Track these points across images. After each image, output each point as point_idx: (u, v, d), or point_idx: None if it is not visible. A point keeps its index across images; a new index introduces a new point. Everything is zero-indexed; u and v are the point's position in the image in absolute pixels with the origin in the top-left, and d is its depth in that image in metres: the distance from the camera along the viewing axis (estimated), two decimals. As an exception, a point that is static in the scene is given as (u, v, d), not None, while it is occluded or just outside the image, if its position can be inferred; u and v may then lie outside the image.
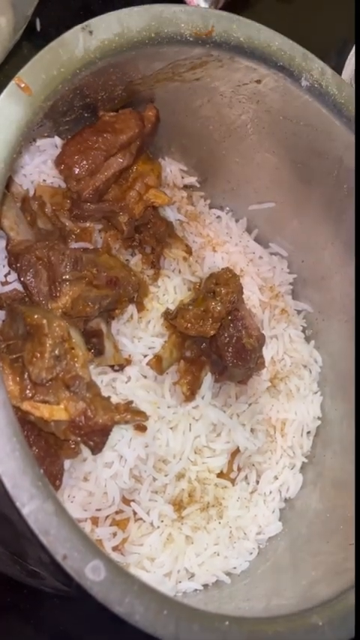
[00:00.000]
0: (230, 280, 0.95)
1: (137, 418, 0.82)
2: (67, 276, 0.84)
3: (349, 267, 1.04)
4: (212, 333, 0.93)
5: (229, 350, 0.95)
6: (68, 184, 0.91)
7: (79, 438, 0.79)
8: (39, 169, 0.93)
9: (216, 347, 0.96)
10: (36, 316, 0.78)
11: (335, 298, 1.08)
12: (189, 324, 0.93)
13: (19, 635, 1.01)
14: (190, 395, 0.95)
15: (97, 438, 0.79)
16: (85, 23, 0.78)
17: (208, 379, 0.97)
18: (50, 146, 0.94)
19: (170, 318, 0.95)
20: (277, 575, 0.93)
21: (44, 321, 0.78)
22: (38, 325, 0.78)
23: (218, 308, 0.93)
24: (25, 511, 0.62)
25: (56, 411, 0.77)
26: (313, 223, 1.07)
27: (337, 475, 1.02)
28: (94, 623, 1.01)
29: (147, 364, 0.93)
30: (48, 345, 0.77)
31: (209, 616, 0.70)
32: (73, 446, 0.81)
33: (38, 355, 0.77)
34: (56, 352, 0.78)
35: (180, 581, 0.90)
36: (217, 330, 0.94)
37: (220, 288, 0.94)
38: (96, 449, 0.79)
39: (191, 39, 0.85)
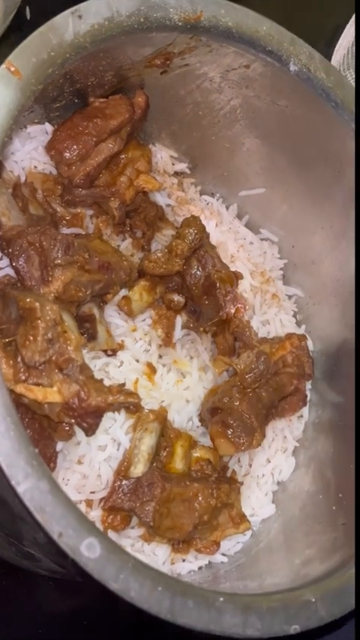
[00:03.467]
0: (192, 222, 0.97)
1: (130, 400, 0.82)
2: (59, 261, 0.84)
3: (339, 252, 1.05)
4: (177, 268, 0.95)
5: (198, 286, 0.97)
6: (59, 170, 0.91)
7: (72, 420, 0.79)
8: (30, 156, 0.94)
9: (186, 288, 0.98)
10: (28, 300, 0.78)
11: (326, 283, 1.09)
12: (154, 264, 0.95)
13: (14, 620, 1.01)
14: (166, 338, 0.97)
15: (90, 419, 0.79)
16: (75, 8, 0.78)
17: (179, 320, 0.99)
18: (41, 132, 0.94)
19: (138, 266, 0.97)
20: (271, 556, 0.94)
21: (37, 305, 0.78)
22: (31, 309, 0.78)
23: (181, 246, 0.95)
24: (21, 489, 0.63)
25: (50, 394, 0.77)
26: (303, 208, 1.07)
27: (329, 458, 1.02)
28: (89, 608, 1.02)
29: (117, 304, 0.95)
30: (41, 328, 0.78)
31: (204, 592, 0.71)
32: (67, 428, 0.82)
33: (31, 338, 0.78)
34: (49, 335, 0.78)
35: (174, 563, 0.91)
36: (184, 269, 0.97)
37: (182, 230, 0.97)
38: (89, 430, 0.80)
39: (180, 24, 0.85)
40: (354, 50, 1.26)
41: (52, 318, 0.79)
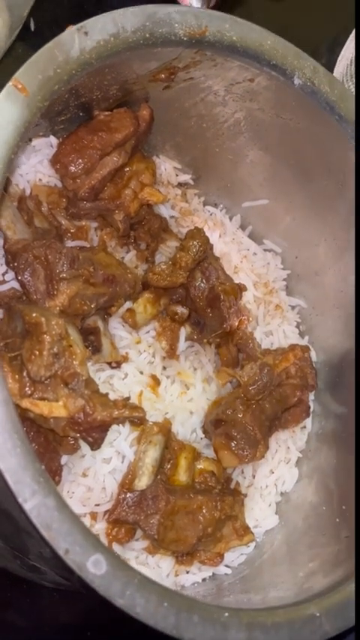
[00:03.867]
0: (196, 234, 0.98)
1: (135, 414, 0.83)
2: (64, 275, 0.85)
3: (342, 264, 1.05)
4: (181, 281, 0.96)
5: (202, 298, 0.98)
6: (64, 183, 0.92)
7: (78, 435, 0.80)
8: (35, 169, 0.94)
9: (190, 300, 0.98)
10: (34, 314, 0.79)
11: (329, 294, 1.09)
12: (158, 276, 0.95)
13: (18, 631, 1.01)
14: (170, 350, 0.97)
15: (95, 434, 0.80)
16: (81, 24, 0.78)
17: (183, 332, 0.99)
18: (46, 146, 0.95)
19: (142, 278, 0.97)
20: (274, 568, 0.95)
21: (42, 319, 0.78)
22: (37, 323, 0.79)
23: (185, 258, 0.95)
24: (27, 506, 0.63)
25: (55, 408, 0.78)
26: (307, 220, 1.08)
27: (332, 469, 1.03)
28: (94, 619, 1.02)
29: (121, 317, 0.95)
30: (46, 342, 0.78)
31: (209, 607, 0.71)
32: (72, 442, 0.82)
33: (37, 353, 0.78)
34: (55, 350, 0.78)
35: (178, 575, 0.91)
36: (188, 281, 0.97)
37: (187, 242, 0.97)
38: (95, 445, 0.80)
39: (185, 39, 0.85)
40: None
41: (58, 332, 0.79)
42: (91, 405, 0.78)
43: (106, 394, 0.82)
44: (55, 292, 0.84)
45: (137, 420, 0.85)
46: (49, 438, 0.81)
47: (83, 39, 0.78)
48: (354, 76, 1.25)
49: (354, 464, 0.97)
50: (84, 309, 0.86)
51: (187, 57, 0.89)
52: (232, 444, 0.94)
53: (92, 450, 0.82)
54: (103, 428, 0.80)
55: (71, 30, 0.78)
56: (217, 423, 0.96)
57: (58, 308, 0.84)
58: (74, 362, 0.80)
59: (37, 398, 0.78)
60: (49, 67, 0.76)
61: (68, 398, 0.78)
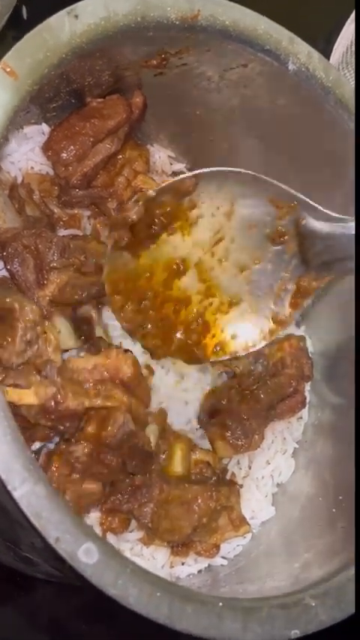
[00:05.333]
0: None
1: (108, 404, 0.81)
2: (55, 264, 0.84)
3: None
4: None
5: None
6: (56, 170, 0.91)
7: (49, 423, 0.78)
8: (27, 156, 0.93)
9: None
10: (8, 300, 0.77)
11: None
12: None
13: (12, 624, 1.01)
14: None
15: (67, 422, 0.78)
16: (71, 7, 0.77)
17: None
18: (38, 133, 0.94)
19: None
20: (270, 559, 0.94)
21: (16, 305, 0.77)
22: (10, 309, 0.77)
23: None
24: (17, 494, 0.62)
25: (26, 395, 0.76)
26: (302, 209, 1.07)
27: (328, 459, 1.02)
28: (87, 612, 1.01)
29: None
30: (19, 329, 0.76)
31: (203, 597, 0.70)
32: (47, 431, 0.81)
33: (9, 339, 0.76)
34: (27, 337, 0.77)
35: (174, 566, 0.91)
36: None
37: None
38: (66, 433, 0.79)
39: (177, 23, 0.84)
40: (353, 49, 1.25)
41: (32, 319, 0.77)
42: (63, 393, 0.77)
43: (80, 382, 0.81)
44: (45, 282, 0.83)
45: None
46: (23, 423, 0.79)
47: (73, 22, 0.77)
48: (350, 63, 1.24)
49: (351, 455, 0.96)
50: (75, 298, 0.85)
51: (180, 42, 0.88)
52: (228, 434, 0.93)
53: (64, 440, 0.80)
54: (75, 417, 0.78)
55: (61, 13, 0.77)
56: (212, 413, 0.95)
57: (48, 298, 0.83)
58: (48, 348, 0.78)
59: (8, 384, 0.76)
60: (39, 51, 0.75)
61: (39, 385, 0.76)
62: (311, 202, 0.87)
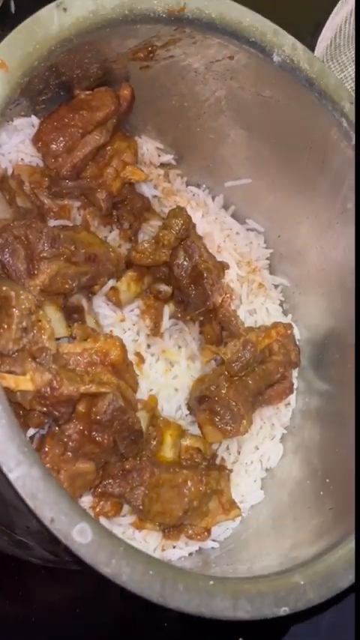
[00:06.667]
0: (178, 212, 0.99)
1: (102, 390, 0.82)
2: (45, 254, 0.85)
3: (324, 241, 1.06)
4: (164, 259, 0.97)
5: (185, 276, 0.99)
6: (46, 161, 0.92)
7: (44, 409, 0.79)
8: (17, 148, 0.94)
9: (174, 278, 0.99)
10: (4, 288, 0.79)
11: (311, 272, 1.10)
12: (141, 255, 0.96)
13: (5, 609, 1.02)
14: (155, 328, 0.99)
15: (62, 408, 0.79)
16: (60, 0, 0.79)
17: (167, 310, 1.00)
18: (27, 125, 0.95)
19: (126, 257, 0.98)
20: (260, 541, 0.96)
21: (12, 293, 0.78)
22: (6, 297, 0.78)
23: (167, 236, 0.96)
24: (12, 477, 0.64)
25: (22, 382, 0.77)
26: (288, 198, 1.08)
27: (316, 444, 1.04)
28: (81, 596, 1.03)
29: (105, 295, 0.96)
30: (15, 316, 0.78)
31: (194, 576, 0.72)
32: (39, 415, 0.82)
33: (5, 327, 0.78)
34: (23, 324, 0.78)
35: (165, 549, 0.92)
36: (172, 259, 0.98)
37: (169, 220, 0.98)
38: (61, 419, 0.80)
39: (164, 15, 0.86)
40: (337, 42, 1.27)
41: (28, 307, 0.79)
42: (58, 379, 0.78)
43: (74, 369, 0.82)
44: (36, 272, 0.84)
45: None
46: (17, 411, 0.81)
47: (62, 15, 0.79)
48: (334, 56, 1.26)
49: (338, 439, 0.98)
50: (65, 287, 0.86)
51: (167, 34, 0.89)
52: (216, 420, 0.94)
53: (58, 425, 0.81)
54: (70, 403, 0.79)
55: (50, 6, 0.78)
56: (201, 399, 0.96)
57: (38, 287, 0.84)
58: (43, 336, 0.80)
59: (4, 371, 0.77)
60: (29, 43, 0.76)
61: (35, 372, 0.78)
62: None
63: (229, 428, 0.94)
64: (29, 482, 0.64)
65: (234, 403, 0.95)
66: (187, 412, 1.00)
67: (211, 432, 0.95)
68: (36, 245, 0.85)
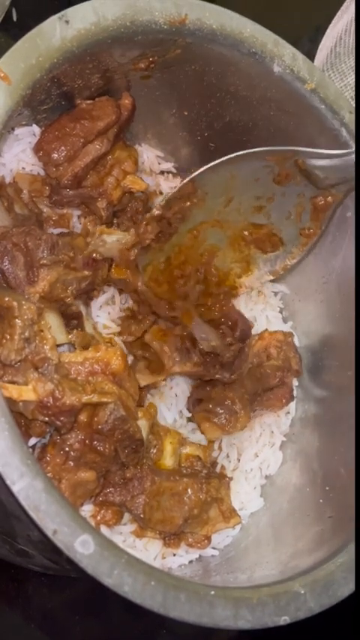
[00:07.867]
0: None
1: (104, 399, 0.83)
2: (45, 261, 0.85)
3: (323, 249, 1.06)
4: (151, 237, 0.96)
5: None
6: (47, 170, 0.92)
7: (46, 418, 0.79)
8: (18, 157, 0.94)
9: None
10: (7, 298, 0.79)
11: (311, 279, 1.10)
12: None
13: (5, 616, 1.02)
14: None
15: (64, 418, 0.79)
16: (62, 13, 0.79)
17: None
18: (29, 134, 0.95)
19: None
20: (260, 549, 0.96)
21: (15, 304, 0.78)
22: (9, 307, 0.79)
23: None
24: (16, 489, 0.64)
25: (24, 392, 0.77)
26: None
27: (315, 451, 1.04)
28: (80, 602, 1.03)
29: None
30: (18, 327, 0.78)
31: (195, 586, 0.72)
32: (41, 425, 0.82)
33: (8, 337, 0.78)
34: (26, 334, 0.78)
35: (165, 557, 0.93)
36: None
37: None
38: (63, 428, 0.81)
39: (165, 27, 0.86)
40: (337, 50, 1.27)
41: (30, 317, 0.79)
42: (60, 389, 0.78)
43: (75, 379, 0.83)
44: (36, 279, 0.85)
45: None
46: (19, 420, 0.81)
47: (64, 27, 0.79)
48: (334, 64, 1.26)
49: (337, 447, 0.98)
50: (65, 294, 0.87)
51: (168, 45, 0.90)
52: (213, 416, 0.95)
53: (60, 434, 0.82)
54: (72, 412, 0.80)
55: (52, 19, 0.79)
56: (198, 400, 0.97)
57: (38, 294, 0.84)
58: (45, 347, 0.80)
59: (6, 381, 0.78)
60: (32, 56, 0.77)
61: (38, 382, 0.78)
62: (304, 149, 0.95)
63: (225, 422, 0.95)
64: (32, 494, 0.65)
65: (229, 401, 0.96)
66: (189, 417, 1.00)
67: (210, 428, 0.96)
68: (35, 252, 0.85)
